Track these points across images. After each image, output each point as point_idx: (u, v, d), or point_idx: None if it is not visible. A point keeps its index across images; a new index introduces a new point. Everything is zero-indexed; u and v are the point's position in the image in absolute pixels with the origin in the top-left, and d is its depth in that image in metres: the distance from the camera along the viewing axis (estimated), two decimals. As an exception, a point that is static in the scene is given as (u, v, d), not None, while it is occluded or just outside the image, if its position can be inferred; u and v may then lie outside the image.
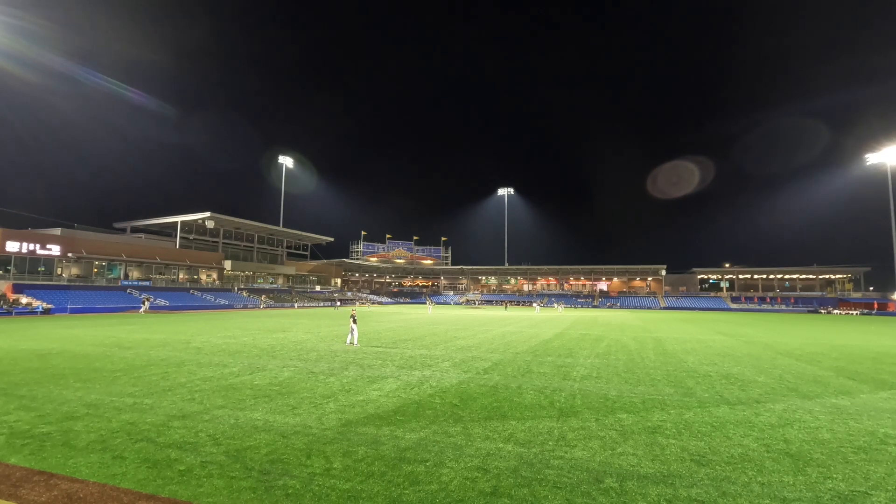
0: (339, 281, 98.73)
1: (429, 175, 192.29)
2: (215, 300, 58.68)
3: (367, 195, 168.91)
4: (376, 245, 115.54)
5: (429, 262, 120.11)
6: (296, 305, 68.41)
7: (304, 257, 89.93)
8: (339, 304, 74.41)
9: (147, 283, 56.40)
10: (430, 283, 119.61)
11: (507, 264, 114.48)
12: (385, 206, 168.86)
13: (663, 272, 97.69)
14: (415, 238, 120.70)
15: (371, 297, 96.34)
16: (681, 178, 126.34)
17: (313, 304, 72.54)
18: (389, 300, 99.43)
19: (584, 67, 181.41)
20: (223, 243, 71.83)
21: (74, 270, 51.93)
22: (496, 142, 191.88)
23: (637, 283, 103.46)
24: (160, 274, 60.40)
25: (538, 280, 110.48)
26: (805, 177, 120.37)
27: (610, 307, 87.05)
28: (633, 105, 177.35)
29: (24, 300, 41.47)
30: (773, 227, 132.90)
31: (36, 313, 39.27)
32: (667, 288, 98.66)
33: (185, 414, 7.83)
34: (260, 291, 70.74)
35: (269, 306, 63.34)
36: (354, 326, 18.54)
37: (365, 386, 10.42)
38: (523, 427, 7.39)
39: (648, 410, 8.58)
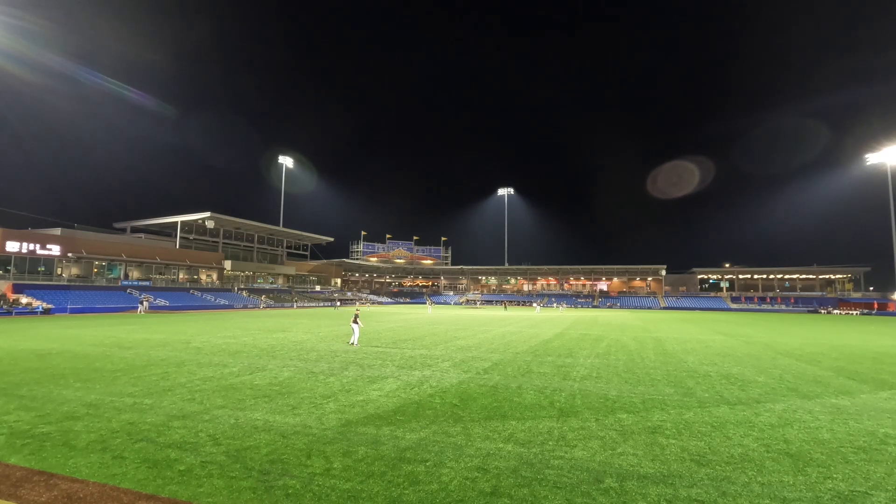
0: (339, 281, 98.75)
1: (429, 175, 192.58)
2: (215, 300, 58.68)
3: (367, 195, 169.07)
4: (376, 245, 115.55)
5: (429, 262, 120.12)
6: (296, 305, 68.39)
7: (304, 257, 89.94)
8: (339, 304, 74.40)
9: (147, 283, 56.40)
10: (430, 283, 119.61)
11: (507, 264, 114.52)
12: (385, 206, 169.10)
13: (663, 272, 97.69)
14: (415, 238, 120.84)
15: (371, 297, 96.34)
16: (681, 178, 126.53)
17: (313, 305, 72.53)
18: (389, 300, 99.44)
19: (584, 67, 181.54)
20: (223, 243, 71.84)
21: (74, 270, 51.94)
22: (496, 142, 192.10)
23: (637, 283, 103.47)
24: (160, 274, 60.41)
25: (538, 280, 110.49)
26: (805, 177, 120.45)
27: (610, 307, 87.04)
28: (633, 105, 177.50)
29: (24, 300, 41.47)
30: (773, 227, 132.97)
31: (36, 313, 39.28)
32: (667, 288, 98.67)
33: (185, 414, 7.83)
34: (260, 291, 70.74)
35: (269, 306, 63.34)
36: (355, 326, 18.46)
37: (365, 386, 10.42)
38: (523, 427, 7.39)
39: (648, 410, 8.58)
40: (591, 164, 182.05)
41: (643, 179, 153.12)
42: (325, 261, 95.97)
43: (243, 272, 73.32)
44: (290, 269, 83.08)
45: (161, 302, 51.04)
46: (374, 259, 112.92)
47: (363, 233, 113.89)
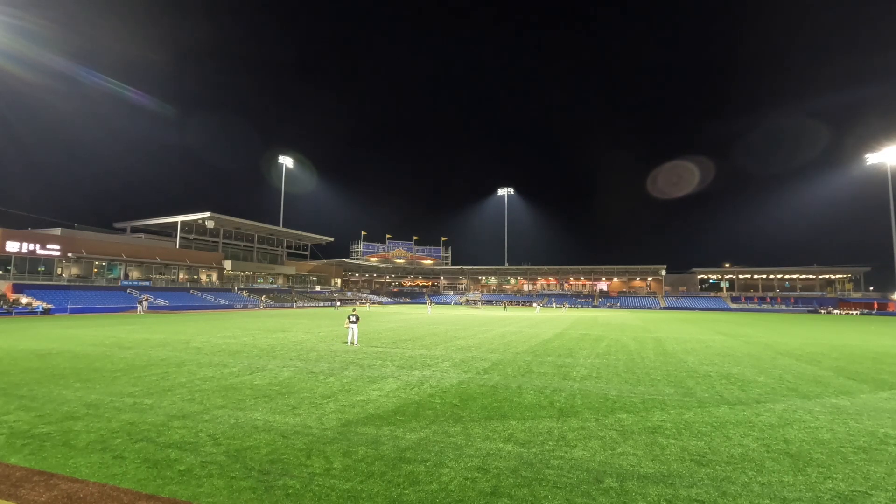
0: (339, 281, 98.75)
1: (429, 175, 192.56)
2: (215, 300, 58.68)
3: (367, 195, 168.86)
4: (376, 245, 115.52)
5: (429, 262, 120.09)
6: (296, 305, 68.38)
7: (304, 257, 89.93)
8: (339, 304, 74.39)
9: (147, 283, 56.40)
10: (430, 283, 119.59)
11: (507, 264, 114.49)
12: (385, 206, 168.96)
13: (663, 272, 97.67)
14: (415, 238, 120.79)
15: (371, 297, 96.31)
16: (681, 178, 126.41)
17: (313, 305, 72.53)
18: (389, 300, 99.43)
19: (584, 67, 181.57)
20: (223, 243, 71.84)
21: (74, 270, 51.94)
22: (496, 142, 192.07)
23: (637, 283, 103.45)
24: (160, 274, 60.41)
25: (538, 280, 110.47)
26: (805, 177, 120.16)
27: (610, 307, 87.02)
28: (633, 105, 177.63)
29: (24, 300, 41.47)
30: (773, 227, 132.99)
31: (36, 313, 39.27)
32: (667, 288, 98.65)
33: (185, 414, 7.83)
34: (260, 291, 70.73)
35: (269, 306, 63.33)
36: (353, 326, 18.45)
37: (365, 386, 10.42)
38: (523, 427, 7.39)
39: (648, 410, 8.58)
40: (591, 164, 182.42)
41: (643, 179, 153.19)
42: (325, 261, 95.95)
43: (243, 272, 73.32)
44: (290, 269, 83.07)
45: (161, 302, 51.04)
46: (374, 259, 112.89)
47: (363, 233, 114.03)
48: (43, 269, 47.92)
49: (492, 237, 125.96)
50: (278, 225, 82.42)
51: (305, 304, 71.04)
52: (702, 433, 7.20)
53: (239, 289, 68.66)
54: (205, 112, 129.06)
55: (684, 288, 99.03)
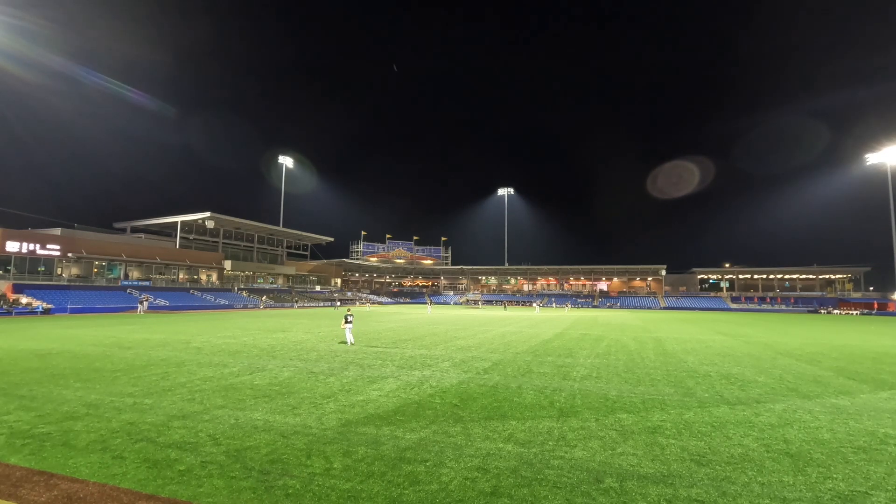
0: (339, 281, 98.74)
1: (428, 175, 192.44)
2: (215, 300, 58.68)
3: (367, 195, 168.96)
4: (376, 245, 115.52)
5: (429, 262, 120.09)
6: (296, 305, 68.38)
7: (304, 257, 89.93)
8: (338, 304, 74.42)
9: (147, 283, 56.41)
10: (430, 283, 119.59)
11: (507, 264, 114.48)
12: (385, 206, 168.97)
13: (663, 272, 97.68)
14: (415, 238, 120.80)
15: (371, 297, 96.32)
16: (681, 178, 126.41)
17: (313, 304, 72.53)
18: (389, 300, 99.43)
19: (583, 67, 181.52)
20: (223, 243, 71.84)
21: (74, 270, 51.94)
22: (496, 142, 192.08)
23: (637, 283, 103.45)
24: (160, 274, 60.41)
25: (538, 280, 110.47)
26: (805, 177, 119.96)
27: (610, 307, 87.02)
28: (633, 105, 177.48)
29: (24, 300, 41.47)
30: (773, 227, 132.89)
31: (36, 313, 39.28)
32: (667, 288, 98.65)
33: (185, 414, 7.83)
34: (260, 291, 70.73)
35: (269, 306, 63.33)
36: (348, 326, 18.44)
37: (365, 386, 10.42)
38: (523, 427, 7.39)
39: (648, 410, 8.58)
40: (591, 164, 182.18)
41: (643, 179, 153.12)
42: (325, 261, 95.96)
43: (243, 272, 73.32)
44: (290, 269, 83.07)
45: (161, 302, 51.04)
46: (374, 259, 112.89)
47: (363, 233, 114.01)
48: (43, 269, 47.93)
49: (492, 237, 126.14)
50: (278, 225, 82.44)
51: (305, 304, 71.04)
52: (702, 433, 7.20)
53: (239, 289, 68.66)
54: (205, 112, 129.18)
55: (684, 288, 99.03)
